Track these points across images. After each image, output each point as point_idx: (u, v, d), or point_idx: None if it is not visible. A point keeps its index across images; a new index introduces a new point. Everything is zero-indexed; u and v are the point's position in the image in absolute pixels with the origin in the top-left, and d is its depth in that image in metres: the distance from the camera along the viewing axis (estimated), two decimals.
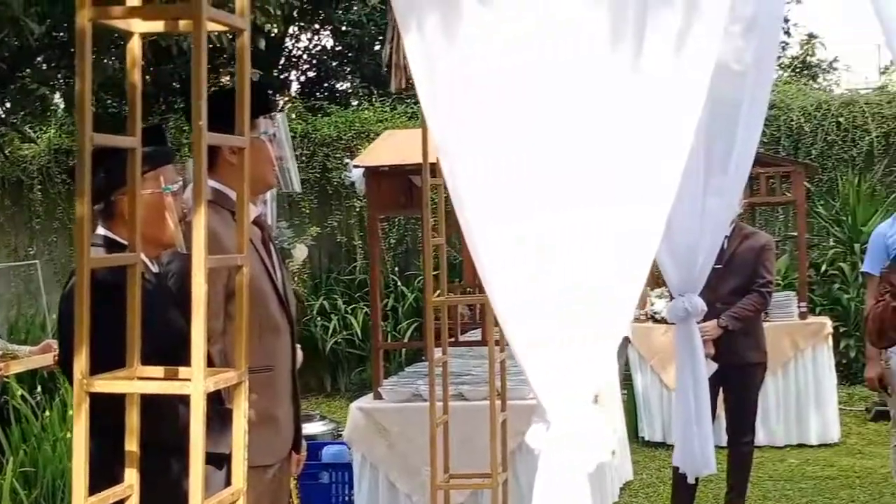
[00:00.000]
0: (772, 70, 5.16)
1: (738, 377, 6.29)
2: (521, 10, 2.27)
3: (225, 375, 1.84)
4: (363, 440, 5.59)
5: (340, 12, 15.18)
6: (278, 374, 3.52)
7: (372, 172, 5.84)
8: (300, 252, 10.49)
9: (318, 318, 11.99)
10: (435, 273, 3.91)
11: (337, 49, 16.25)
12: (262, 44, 11.96)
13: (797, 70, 17.59)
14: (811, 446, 8.40)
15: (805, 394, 8.45)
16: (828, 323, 8.64)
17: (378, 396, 5.65)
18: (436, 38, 2.27)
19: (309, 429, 7.55)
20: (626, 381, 8.60)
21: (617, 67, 2.34)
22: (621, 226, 2.32)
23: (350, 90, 15.94)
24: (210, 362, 2.43)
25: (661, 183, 2.38)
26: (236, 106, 1.86)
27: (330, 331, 11.91)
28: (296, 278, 11.32)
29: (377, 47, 14.70)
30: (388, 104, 13.04)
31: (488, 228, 2.32)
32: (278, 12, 11.19)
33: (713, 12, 2.42)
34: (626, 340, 8.26)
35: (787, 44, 17.60)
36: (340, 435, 6.91)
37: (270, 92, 13.92)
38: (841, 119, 11.70)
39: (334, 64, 16.20)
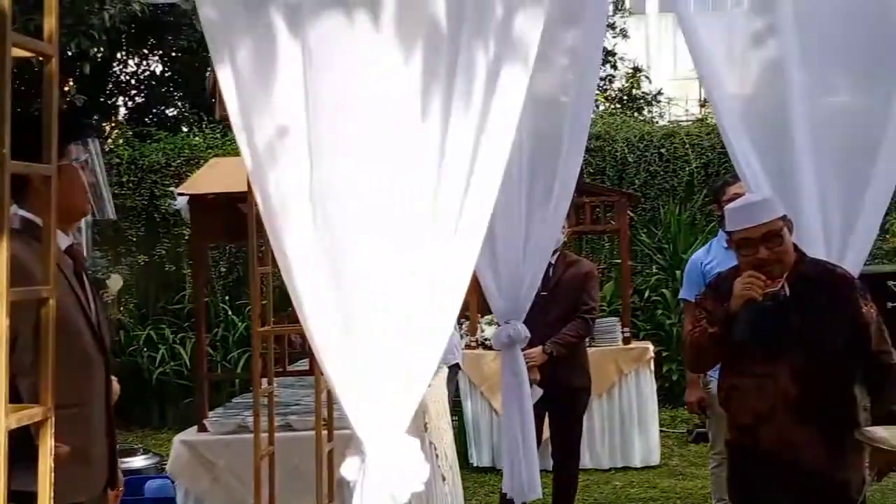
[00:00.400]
0: (592, 101, 5.32)
1: (563, 402, 6.44)
2: (332, 45, 2.28)
3: (30, 412, 1.79)
4: (186, 474, 5.46)
5: (171, 38, 14.94)
6: (92, 409, 3.41)
7: (197, 200, 5.74)
8: (115, 282, 10.26)
9: (145, 349, 11.71)
10: (264, 302, 3.88)
11: (167, 74, 15.96)
12: (87, 68, 11.70)
13: (623, 102, 18.11)
14: (635, 468, 8.61)
15: (629, 417, 8.67)
16: (650, 347, 8.90)
17: (203, 429, 5.54)
18: (247, 68, 2.26)
19: (132, 463, 7.37)
20: (456, 408, 8.66)
21: (430, 109, 2.38)
22: (433, 261, 2.35)
23: (180, 116, 15.67)
24: (19, 397, 2.35)
25: (471, 217, 2.41)
26: (43, 133, 1.82)
27: (157, 361, 11.64)
28: (121, 308, 11.04)
29: (208, 73, 14.49)
30: (218, 130, 12.88)
31: (302, 265, 2.32)
32: (104, 37, 10.96)
33: (524, 47, 2.47)
34: (457, 367, 8.33)
35: (613, 77, 18.11)
36: (165, 468, 6.75)
37: (96, 118, 13.60)
38: (663, 150, 12.10)
39: (164, 89, 15.90)
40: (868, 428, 2.89)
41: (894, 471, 4.45)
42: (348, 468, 2.35)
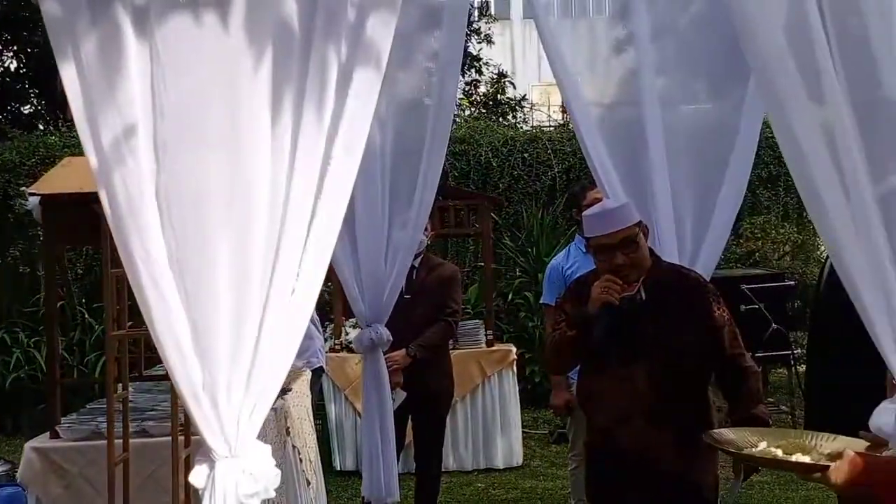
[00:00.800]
0: (454, 104, 5.34)
1: (426, 405, 6.44)
2: (180, 46, 2.25)
3: None
4: (38, 481, 5.29)
5: (26, 33, 14.51)
6: None
7: (49, 200, 5.57)
8: None
9: None
10: (118, 306, 3.79)
11: (22, 71, 15.50)
12: None
13: (488, 107, 18.26)
14: (497, 470, 8.66)
15: (492, 418, 8.72)
16: (513, 350, 8.97)
17: (55, 435, 5.38)
18: (92, 66, 2.21)
19: None
20: (320, 412, 8.60)
21: (281, 111, 2.36)
22: (284, 265, 2.33)
23: (35, 114, 15.22)
24: None
25: (324, 220, 2.39)
26: None
27: (11, 366, 11.27)
28: None
29: None
30: (75, 129, 12.53)
31: (148, 268, 2.27)
32: None
33: (376, 50, 2.47)
34: (321, 371, 8.28)
35: (478, 81, 18.25)
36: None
37: None
38: (526, 155, 12.22)
39: (18, 86, 15.43)
40: (716, 430, 2.97)
41: (758, 471, 4.59)
42: (197, 475, 2.30)
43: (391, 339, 5.32)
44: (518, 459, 8.79)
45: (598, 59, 5.36)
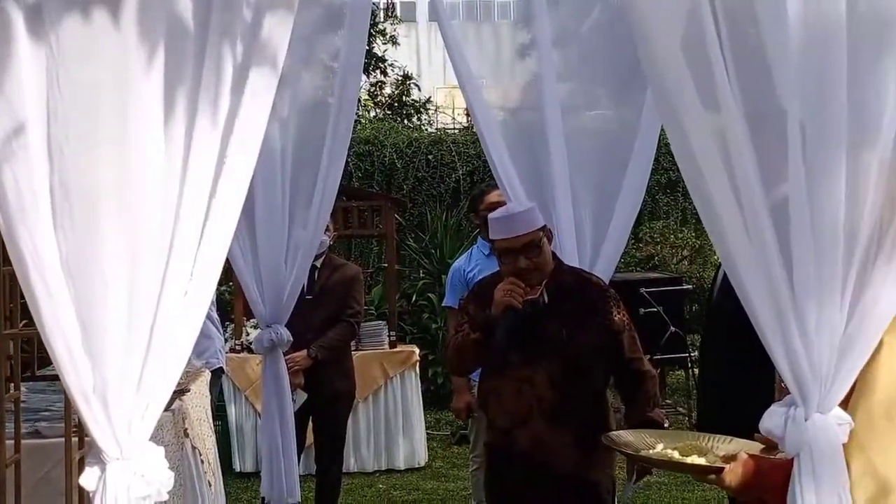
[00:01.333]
0: (355, 103, 5.32)
1: (327, 406, 6.42)
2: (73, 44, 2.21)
3: None
4: None
5: None
6: None
7: None
8: None
9: None
10: (12, 305, 3.72)
11: None
12: None
13: (393, 109, 18.23)
14: (399, 471, 8.65)
15: (394, 420, 8.72)
16: (416, 351, 8.97)
17: None
18: None
19: None
20: (220, 413, 8.50)
21: (175, 110, 2.33)
22: (177, 266, 2.30)
23: None
24: None
25: (218, 221, 2.37)
26: None
27: None
28: None
29: None
30: None
31: (38, 267, 2.24)
32: None
33: (273, 50, 2.45)
34: (220, 371, 8.19)
35: (383, 83, 18.21)
36: None
37: None
38: (430, 157, 12.27)
39: None
40: (614, 432, 3.03)
41: (651, 473, 4.66)
42: (87, 478, 2.26)
43: (291, 339, 5.28)
44: (420, 460, 8.80)
45: (502, 64, 5.41)
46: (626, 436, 2.82)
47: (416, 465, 8.76)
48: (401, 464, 8.73)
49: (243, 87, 2.35)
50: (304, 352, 6.21)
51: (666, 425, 4.44)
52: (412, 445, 8.80)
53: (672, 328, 9.26)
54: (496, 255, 4.45)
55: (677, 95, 2.33)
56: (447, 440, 9.83)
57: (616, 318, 4.33)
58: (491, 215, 4.50)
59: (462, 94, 5.20)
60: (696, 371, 10.45)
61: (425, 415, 9.13)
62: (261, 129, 2.40)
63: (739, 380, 4.06)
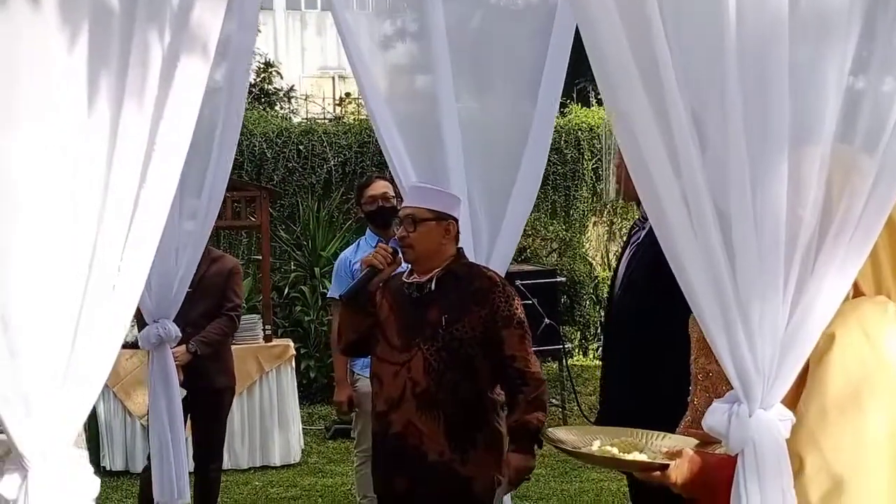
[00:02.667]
0: (244, 92, 5.18)
1: (206, 403, 6.25)
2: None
3: None
4: None
5: None
6: None
7: None
8: None
9: None
10: None
11: None
12: None
13: (256, 97, 17.93)
14: (274, 467, 8.51)
15: (269, 415, 8.56)
16: (291, 345, 8.83)
17: None
18: None
19: None
20: None
21: (98, 97, 2.21)
22: (104, 259, 2.18)
23: None
24: None
25: (148, 211, 2.26)
26: None
27: None
28: None
29: None
30: None
31: None
32: None
33: (203, 36, 2.34)
34: None
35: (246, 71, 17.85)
36: None
37: None
38: (301, 147, 12.08)
39: None
40: (550, 429, 2.99)
41: (529, 479, 4.64)
42: (7, 486, 2.11)
43: (180, 335, 5.10)
44: (296, 456, 8.68)
45: (395, 53, 5.32)
46: (560, 432, 2.77)
47: (292, 462, 8.63)
48: (276, 460, 8.59)
49: (173, 73, 2.24)
50: (183, 347, 6.02)
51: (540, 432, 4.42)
52: (288, 441, 8.67)
53: (547, 320, 9.34)
54: None
55: (625, 90, 2.29)
56: (321, 435, 9.72)
57: (504, 314, 4.26)
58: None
59: (357, 84, 5.11)
60: (570, 362, 10.65)
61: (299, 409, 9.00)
62: (192, 116, 2.30)
63: (643, 380, 4.08)
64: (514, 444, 4.30)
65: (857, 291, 2.36)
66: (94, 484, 2.18)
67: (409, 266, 4.43)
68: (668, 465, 2.40)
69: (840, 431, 2.18)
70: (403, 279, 4.39)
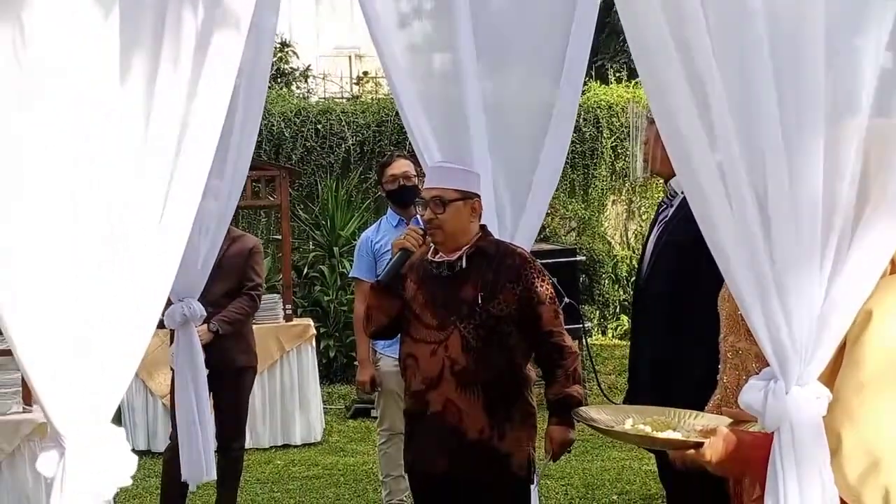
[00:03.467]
0: (267, 71, 5.17)
1: (229, 382, 6.22)
2: None
3: None
4: None
5: None
6: None
7: None
8: None
9: None
10: None
11: None
12: None
13: (272, 77, 17.90)
14: (296, 446, 8.56)
15: (290, 394, 8.60)
16: (311, 324, 8.85)
17: None
18: None
19: None
20: None
21: (132, 71, 2.20)
22: (139, 238, 2.18)
23: None
24: None
25: (180, 207, 2.25)
26: None
27: None
28: None
29: None
30: None
31: None
32: None
33: (236, 12, 2.33)
34: None
35: None
36: None
37: None
38: (319, 126, 12.07)
39: None
40: (582, 408, 3.00)
41: (569, 452, 4.65)
42: (45, 463, 2.12)
43: (205, 314, 5.12)
44: (317, 435, 8.71)
45: (417, 32, 5.29)
46: (592, 411, 2.76)
47: (313, 441, 8.66)
48: (297, 439, 8.62)
49: (206, 50, 2.23)
50: (205, 326, 6.01)
51: (584, 403, 4.45)
52: (308, 420, 8.71)
53: (567, 299, 9.30)
54: None
55: (663, 71, 2.28)
56: (342, 414, 9.75)
57: (539, 290, 4.33)
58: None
59: (381, 62, 5.09)
60: (590, 341, 10.63)
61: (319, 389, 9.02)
62: (226, 94, 2.29)
63: (673, 359, 4.07)
64: (556, 416, 4.35)
65: (893, 268, 2.34)
66: (131, 461, 2.19)
67: (432, 246, 4.43)
68: (702, 444, 2.38)
69: (878, 409, 2.17)
70: (429, 258, 4.38)
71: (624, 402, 4.56)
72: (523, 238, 4.95)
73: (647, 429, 2.57)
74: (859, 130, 2.26)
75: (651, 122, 4.20)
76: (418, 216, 4.52)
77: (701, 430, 2.49)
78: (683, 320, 3.98)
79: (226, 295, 6.28)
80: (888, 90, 2.29)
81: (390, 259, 4.43)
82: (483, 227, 4.46)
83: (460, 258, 4.32)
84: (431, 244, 4.41)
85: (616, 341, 12.01)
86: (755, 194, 2.26)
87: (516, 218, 4.99)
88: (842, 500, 2.19)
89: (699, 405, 3.05)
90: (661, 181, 4.31)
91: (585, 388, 9.65)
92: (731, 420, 2.57)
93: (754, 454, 2.30)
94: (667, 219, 4.18)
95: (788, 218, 2.25)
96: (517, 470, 4.30)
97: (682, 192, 3.91)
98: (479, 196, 4.41)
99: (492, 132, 4.99)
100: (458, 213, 4.32)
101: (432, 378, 4.25)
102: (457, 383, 4.21)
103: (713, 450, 2.37)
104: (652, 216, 5.07)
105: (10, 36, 2.08)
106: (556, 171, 5.10)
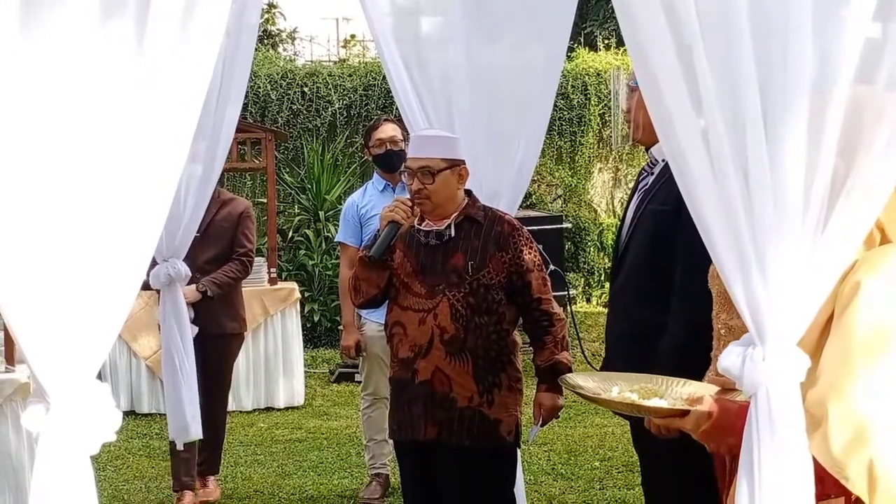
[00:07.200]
0: (255, 32, 5.14)
1: (215, 347, 6.17)
2: None
3: None
4: None
5: None
6: None
7: None
8: None
9: None
10: None
11: None
12: None
13: (259, 38, 17.78)
14: (279, 409, 8.59)
15: (274, 358, 8.62)
16: (296, 288, 8.87)
17: None
18: None
19: None
20: None
21: (117, 48, 2.19)
22: (127, 209, 2.18)
23: None
24: None
25: (166, 166, 2.25)
26: None
27: None
28: None
29: None
30: None
31: None
32: None
33: None
34: None
35: None
36: None
37: None
38: (306, 89, 12.02)
39: None
40: (568, 375, 3.02)
41: (557, 417, 4.68)
42: (30, 419, 2.13)
43: (189, 274, 5.12)
44: (299, 399, 8.73)
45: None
46: (577, 378, 2.78)
47: (296, 405, 8.69)
48: (280, 402, 8.65)
49: (193, 9, 2.21)
50: (193, 286, 6.00)
51: (573, 369, 4.49)
52: (292, 384, 8.74)
53: (552, 266, 9.32)
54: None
55: (646, 23, 2.28)
56: (325, 378, 9.78)
57: (526, 257, 4.36)
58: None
59: (368, 26, 5.08)
60: (575, 308, 10.65)
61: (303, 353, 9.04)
62: (213, 51, 2.29)
63: (639, 332, 4.08)
64: (546, 383, 4.41)
65: (884, 238, 2.35)
66: (115, 417, 2.20)
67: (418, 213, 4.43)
68: (688, 412, 2.39)
69: (865, 380, 2.15)
70: (416, 226, 4.39)
71: (600, 371, 4.58)
72: (506, 206, 4.97)
73: (634, 396, 2.58)
74: (843, 99, 2.27)
75: (633, 89, 4.19)
76: (405, 182, 4.52)
77: (688, 398, 2.50)
78: (658, 290, 3.98)
79: (214, 260, 6.25)
80: (873, 60, 2.29)
81: (378, 230, 4.41)
82: (469, 193, 4.47)
83: (448, 226, 4.34)
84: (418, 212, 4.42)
85: (600, 309, 12.04)
86: (737, 159, 2.26)
87: (500, 183, 5.01)
88: (825, 470, 2.19)
89: (677, 374, 3.06)
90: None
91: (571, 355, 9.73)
92: (718, 388, 2.58)
93: (740, 423, 2.29)
94: (647, 187, 4.18)
95: (768, 185, 2.25)
96: (506, 435, 4.35)
97: (664, 161, 3.91)
98: (464, 161, 4.41)
99: (475, 98, 5.00)
100: (447, 182, 4.34)
101: (421, 346, 4.29)
102: (446, 351, 4.25)
103: (699, 417, 2.38)
104: None
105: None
106: (539, 136, 5.13)
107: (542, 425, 4.55)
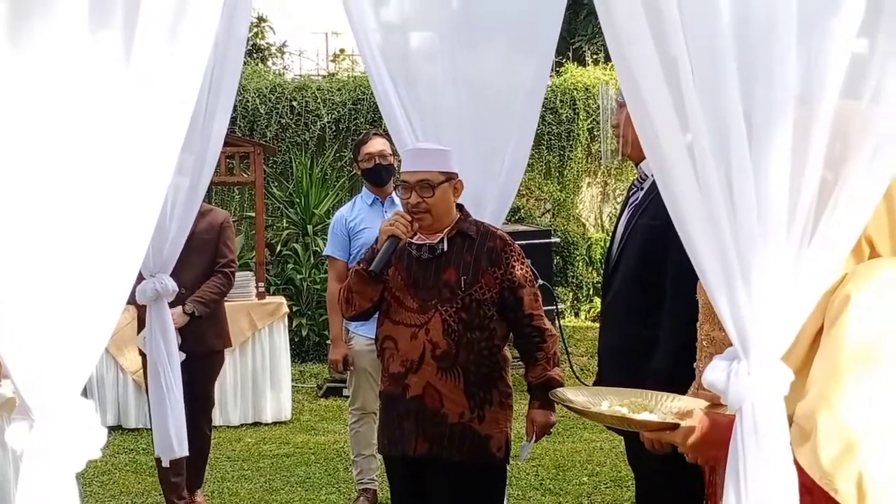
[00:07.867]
0: (243, 44, 5.12)
1: (201, 365, 6.07)
2: None
3: None
4: None
5: None
6: None
7: None
8: None
9: None
10: None
11: None
12: None
13: (248, 52, 17.80)
14: (266, 424, 8.55)
15: (262, 373, 8.59)
16: (284, 302, 8.84)
17: None
18: None
19: None
20: None
21: (105, 58, 2.19)
22: (113, 222, 2.17)
23: None
24: None
25: (153, 177, 2.24)
26: None
27: None
28: None
29: None
30: None
31: None
32: None
33: None
34: None
35: None
36: None
37: None
38: (294, 103, 12.03)
39: None
40: (559, 389, 3.02)
41: (549, 433, 4.67)
42: (14, 436, 2.12)
43: (177, 289, 5.09)
44: (287, 414, 8.70)
45: (390, 11, 5.27)
46: (568, 392, 2.78)
47: (283, 419, 8.66)
48: (268, 417, 8.62)
49: (182, 21, 2.21)
50: (179, 308, 5.94)
51: (564, 384, 4.48)
52: (279, 399, 8.70)
53: (541, 280, 9.31)
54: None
55: (631, 38, 2.29)
56: (312, 392, 9.75)
57: (518, 273, 4.36)
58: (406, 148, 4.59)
59: (355, 40, 5.08)
60: (563, 322, 10.64)
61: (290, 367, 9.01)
62: (201, 65, 2.28)
63: (630, 348, 4.08)
64: (538, 400, 4.40)
65: (873, 252, 2.35)
66: (100, 434, 2.19)
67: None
68: (678, 426, 2.39)
69: (854, 392, 2.15)
70: (408, 240, 4.37)
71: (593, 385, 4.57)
72: (492, 220, 4.97)
73: (624, 410, 2.58)
74: (829, 111, 2.27)
75: (621, 105, 4.20)
76: (395, 196, 4.51)
77: (677, 412, 2.51)
78: (650, 305, 3.98)
79: (199, 274, 6.19)
80: (858, 75, 2.30)
81: (375, 245, 4.38)
82: (461, 208, 4.47)
83: (441, 240, 4.33)
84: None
85: (589, 323, 12.06)
86: (722, 174, 2.27)
87: (486, 196, 5.01)
88: (814, 483, 2.19)
89: (667, 389, 3.06)
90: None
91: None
92: (708, 403, 2.58)
93: (729, 436, 2.30)
94: (637, 202, 4.18)
95: (752, 198, 2.26)
96: (496, 451, 4.34)
97: (653, 176, 3.91)
98: (457, 174, 4.41)
99: (462, 112, 5.00)
100: (445, 195, 4.34)
101: (413, 361, 4.27)
102: (437, 367, 4.24)
103: (688, 432, 2.38)
104: None
105: None
106: (525, 152, 5.13)
107: (534, 441, 4.53)
